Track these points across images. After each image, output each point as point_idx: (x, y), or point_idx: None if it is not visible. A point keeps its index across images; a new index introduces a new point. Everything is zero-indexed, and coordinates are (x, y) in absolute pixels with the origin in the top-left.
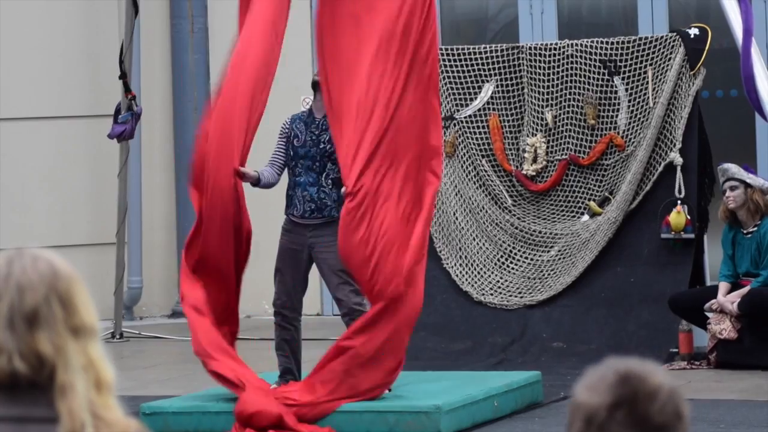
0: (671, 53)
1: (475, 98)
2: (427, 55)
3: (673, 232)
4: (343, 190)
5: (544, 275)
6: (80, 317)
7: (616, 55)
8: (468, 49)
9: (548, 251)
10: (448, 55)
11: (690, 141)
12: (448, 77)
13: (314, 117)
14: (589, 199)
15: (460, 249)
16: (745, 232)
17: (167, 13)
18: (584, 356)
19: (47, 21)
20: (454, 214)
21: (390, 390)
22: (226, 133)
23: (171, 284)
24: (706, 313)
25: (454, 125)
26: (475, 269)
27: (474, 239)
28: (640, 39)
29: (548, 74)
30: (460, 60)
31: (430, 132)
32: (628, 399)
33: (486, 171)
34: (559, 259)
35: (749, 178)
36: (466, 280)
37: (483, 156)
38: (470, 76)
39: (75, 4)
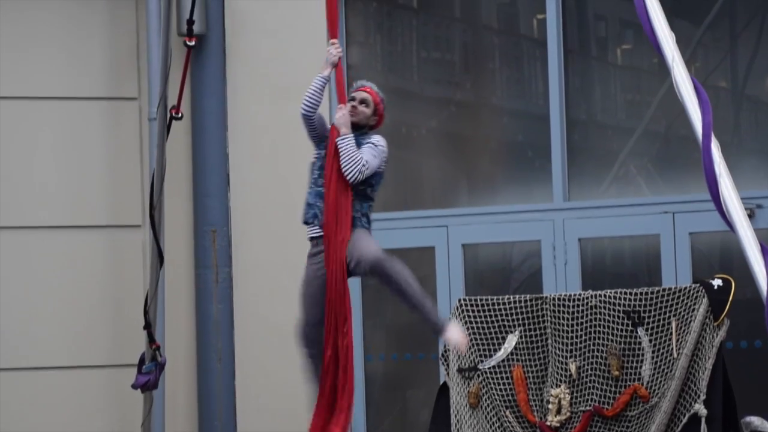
0: (695, 304)
1: (499, 349)
2: None
3: None
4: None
5: None
6: None
7: (639, 305)
8: (491, 299)
9: None
10: (471, 305)
11: (714, 392)
12: (472, 328)
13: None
14: None
15: None
16: None
17: (192, 263)
18: None
19: (75, 271)
20: None
21: None
22: None
23: None
24: None
25: (478, 376)
26: None
27: None
28: (664, 290)
29: (572, 325)
30: (484, 311)
31: None
32: None
33: (510, 422)
34: None
35: None
36: None
37: (507, 407)
38: (494, 327)
39: (98, 256)
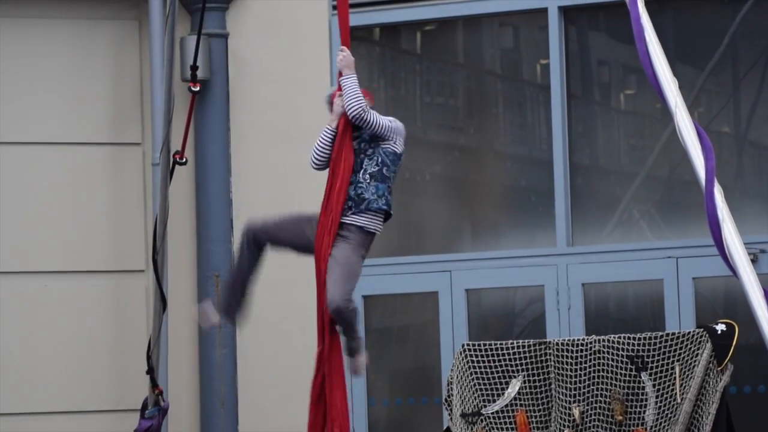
0: (698, 349)
1: (503, 394)
2: None
3: None
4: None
5: None
6: None
7: (643, 350)
8: (495, 344)
9: None
10: (475, 350)
11: None
12: (475, 373)
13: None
14: None
15: None
16: None
17: (195, 308)
18: None
19: (78, 316)
20: None
21: None
22: None
23: None
24: None
25: (481, 421)
26: None
27: None
28: (668, 335)
29: (575, 370)
30: (487, 356)
31: None
32: None
33: None
34: None
35: None
36: None
37: None
38: (497, 372)
39: (102, 301)
